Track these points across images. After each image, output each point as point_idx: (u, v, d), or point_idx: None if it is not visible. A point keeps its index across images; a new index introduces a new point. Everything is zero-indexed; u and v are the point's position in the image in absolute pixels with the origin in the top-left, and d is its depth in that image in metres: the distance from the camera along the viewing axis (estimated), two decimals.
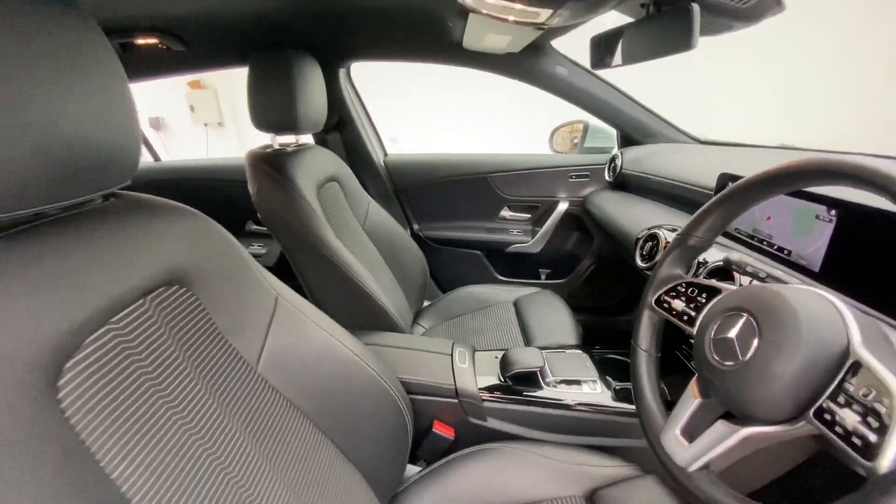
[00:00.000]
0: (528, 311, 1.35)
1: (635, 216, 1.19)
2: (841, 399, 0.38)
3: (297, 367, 0.66)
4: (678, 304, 0.61)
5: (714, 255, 0.78)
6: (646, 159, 1.36)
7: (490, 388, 0.92)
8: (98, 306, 0.42)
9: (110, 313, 0.43)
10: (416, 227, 1.72)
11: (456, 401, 0.89)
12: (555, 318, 1.30)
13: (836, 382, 0.39)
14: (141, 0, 1.00)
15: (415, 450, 0.90)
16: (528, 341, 1.19)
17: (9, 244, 0.39)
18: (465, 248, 1.72)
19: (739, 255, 0.69)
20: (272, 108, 1.03)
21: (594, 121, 1.58)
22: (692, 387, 0.54)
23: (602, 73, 1.42)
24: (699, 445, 0.49)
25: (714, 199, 0.59)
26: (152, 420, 0.44)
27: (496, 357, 1.02)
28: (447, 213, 1.71)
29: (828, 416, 0.39)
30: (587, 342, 1.09)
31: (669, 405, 0.59)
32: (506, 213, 1.69)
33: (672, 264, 0.65)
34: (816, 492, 0.79)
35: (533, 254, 1.69)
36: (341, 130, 1.56)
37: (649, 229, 1.04)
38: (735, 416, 0.47)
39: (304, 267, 1.09)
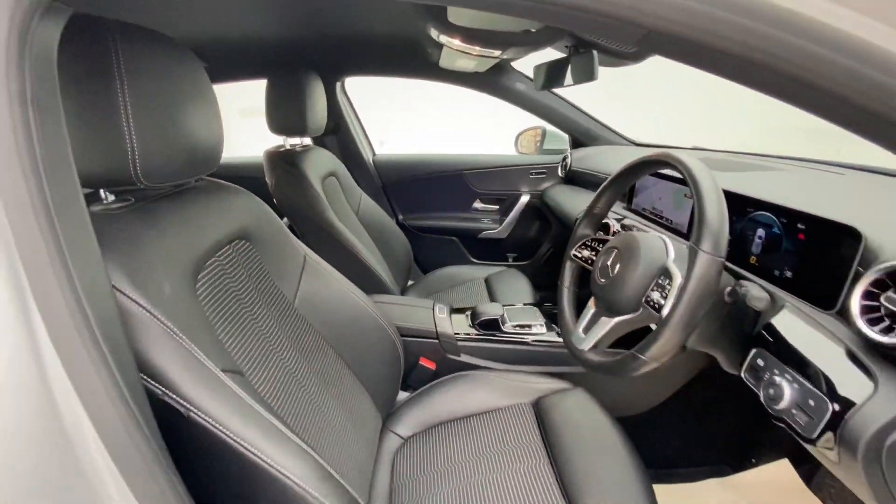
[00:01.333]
0: (497, 285, 1.63)
1: (579, 203, 1.49)
2: (655, 288, 0.68)
3: (322, 307, 0.92)
4: (586, 253, 0.90)
5: (618, 226, 1.08)
6: (589, 158, 1.67)
7: (463, 332, 1.20)
8: (209, 244, 0.68)
9: (216, 250, 0.69)
10: (400, 217, 1.99)
11: (436, 341, 1.16)
12: (518, 290, 1.59)
13: (654, 281, 0.69)
14: (175, 28, 1.24)
15: (406, 380, 1.17)
16: None
17: (163, 203, 0.65)
18: (443, 234, 2.00)
19: (630, 220, 0.98)
20: (287, 116, 1.29)
21: (551, 126, 1.88)
22: (591, 301, 0.83)
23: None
24: (591, 334, 0.78)
25: (605, 183, 0.89)
26: (240, 319, 0.70)
27: (468, 313, 1.29)
28: (428, 205, 1.98)
29: (649, 300, 0.68)
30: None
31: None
32: (478, 204, 1.97)
33: (584, 227, 0.94)
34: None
35: (501, 239, 1.98)
36: (337, 133, 1.82)
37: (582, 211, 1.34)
38: (610, 313, 0.76)
39: (313, 243, 1.34)
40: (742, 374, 0.65)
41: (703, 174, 0.64)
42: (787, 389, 0.57)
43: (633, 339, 0.79)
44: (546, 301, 1.67)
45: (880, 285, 0.54)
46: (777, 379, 0.58)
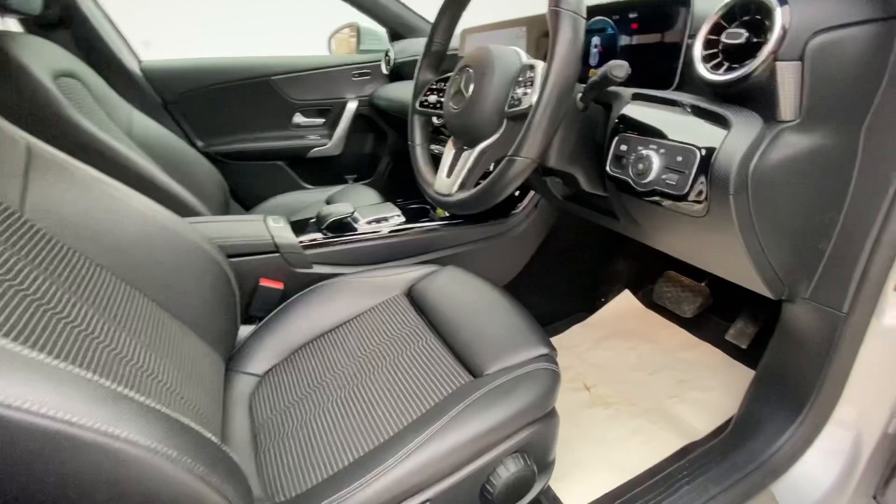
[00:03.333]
0: (341, 200, 1.43)
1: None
2: (518, 87, 0.59)
3: (81, 222, 0.62)
4: (433, 98, 0.78)
5: None
6: (413, 47, 1.54)
7: (310, 241, 1.00)
8: None
9: None
10: (200, 143, 1.58)
11: (278, 254, 0.94)
12: (367, 201, 1.42)
13: (514, 82, 0.60)
14: None
15: (248, 310, 0.93)
16: None
17: None
18: (264, 160, 1.68)
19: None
20: None
21: (366, 22, 1.68)
22: (449, 142, 0.72)
23: None
24: (455, 174, 0.68)
25: (440, 10, 0.76)
26: None
27: (311, 219, 1.09)
28: (234, 125, 1.61)
29: (513, 102, 0.59)
30: None
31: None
32: (299, 118, 1.69)
33: (424, 71, 0.81)
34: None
35: (335, 157, 1.75)
36: (70, 27, 1.28)
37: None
38: (472, 142, 0.66)
39: None
40: (607, 169, 0.63)
41: None
42: (654, 157, 0.55)
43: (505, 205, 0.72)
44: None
45: (717, 31, 0.54)
46: (643, 152, 0.57)
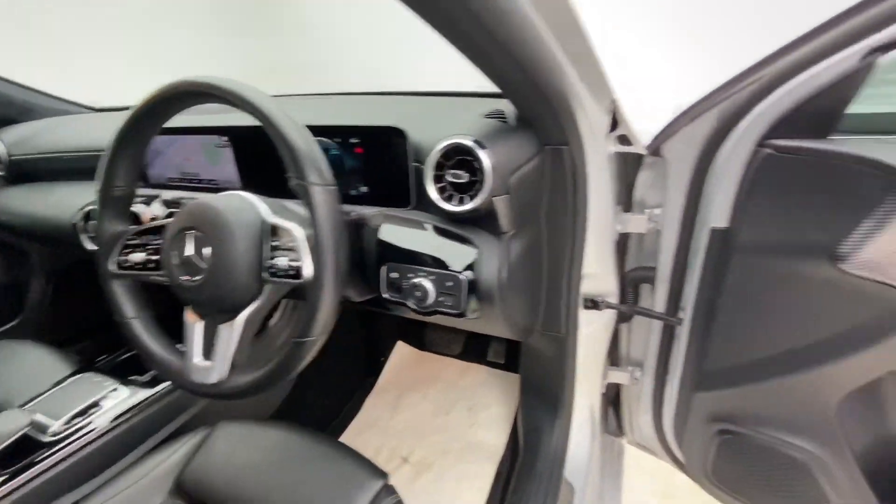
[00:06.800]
0: None
1: (60, 203, 0.99)
2: (277, 254, 0.52)
3: None
4: (139, 257, 0.59)
5: (157, 210, 0.78)
6: (35, 138, 1.12)
7: None
8: None
9: None
10: None
11: None
12: (27, 373, 0.95)
13: (267, 245, 0.53)
14: None
15: None
16: None
17: None
18: None
19: (171, 193, 0.73)
20: None
21: None
22: (187, 315, 0.57)
23: None
24: (218, 356, 0.54)
25: (111, 146, 0.58)
26: None
27: None
28: None
29: (274, 270, 0.52)
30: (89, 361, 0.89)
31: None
32: None
33: (111, 222, 0.60)
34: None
35: None
36: None
37: (81, 209, 0.91)
38: (228, 313, 0.54)
39: None
40: (384, 296, 0.64)
41: (266, 100, 0.50)
42: (427, 285, 0.60)
43: None
44: (91, 357, 1.08)
45: (439, 167, 0.61)
46: (416, 281, 0.60)
